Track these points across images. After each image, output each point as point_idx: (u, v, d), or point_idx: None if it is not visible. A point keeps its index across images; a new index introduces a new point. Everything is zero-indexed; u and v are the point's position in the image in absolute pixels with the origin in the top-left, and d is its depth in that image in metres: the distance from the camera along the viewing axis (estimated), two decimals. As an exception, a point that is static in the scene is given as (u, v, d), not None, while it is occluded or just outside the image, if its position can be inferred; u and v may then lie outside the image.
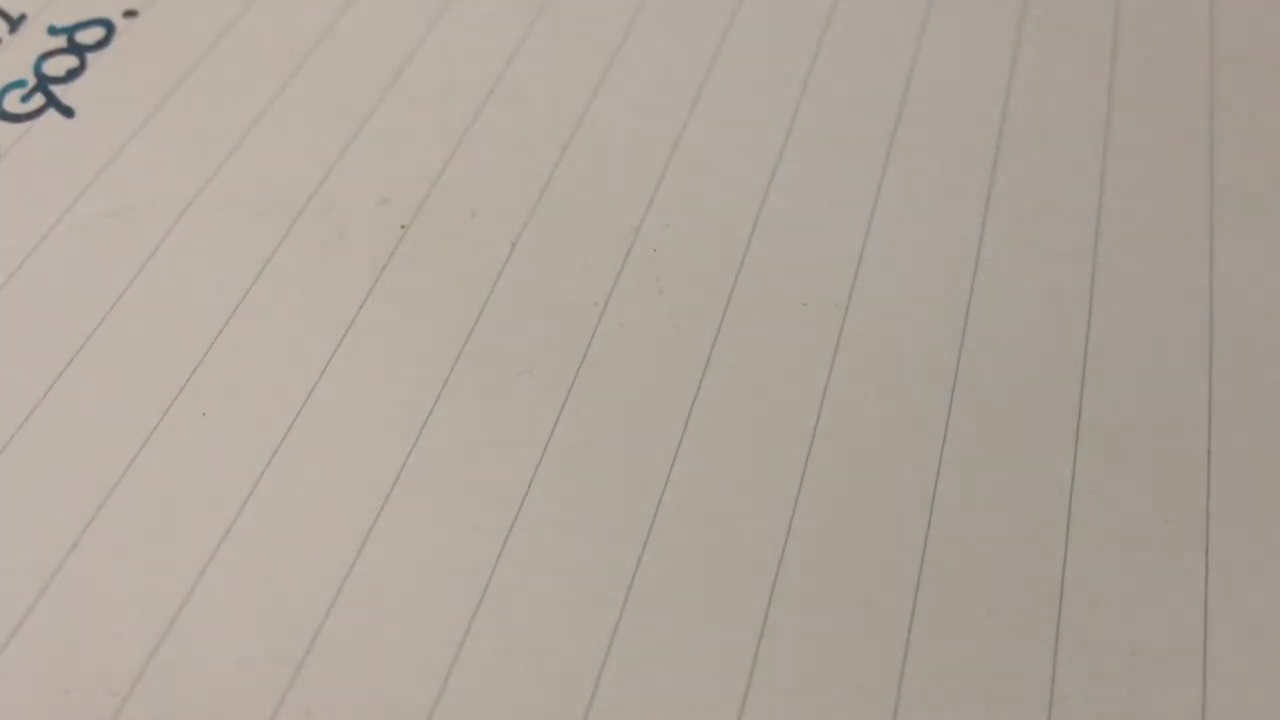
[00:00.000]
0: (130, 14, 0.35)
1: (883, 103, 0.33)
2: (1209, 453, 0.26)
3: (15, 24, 0.34)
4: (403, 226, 0.30)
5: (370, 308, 0.28)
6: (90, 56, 0.33)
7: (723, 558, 0.24)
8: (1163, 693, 0.23)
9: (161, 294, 0.28)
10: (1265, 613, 0.24)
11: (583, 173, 0.31)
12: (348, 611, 0.23)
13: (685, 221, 0.30)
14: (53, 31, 0.34)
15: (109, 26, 0.34)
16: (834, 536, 0.25)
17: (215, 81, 0.33)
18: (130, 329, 0.28)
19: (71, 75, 0.33)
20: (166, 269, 0.29)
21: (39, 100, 0.32)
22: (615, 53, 0.34)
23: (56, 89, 0.33)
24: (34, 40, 0.34)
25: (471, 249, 0.29)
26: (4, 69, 0.33)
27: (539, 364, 0.27)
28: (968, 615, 0.24)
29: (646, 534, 0.25)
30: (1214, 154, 0.32)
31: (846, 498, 0.25)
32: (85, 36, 0.34)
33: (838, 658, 0.23)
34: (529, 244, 0.30)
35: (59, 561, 0.24)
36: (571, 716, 0.22)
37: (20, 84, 0.33)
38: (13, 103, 0.32)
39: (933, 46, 0.34)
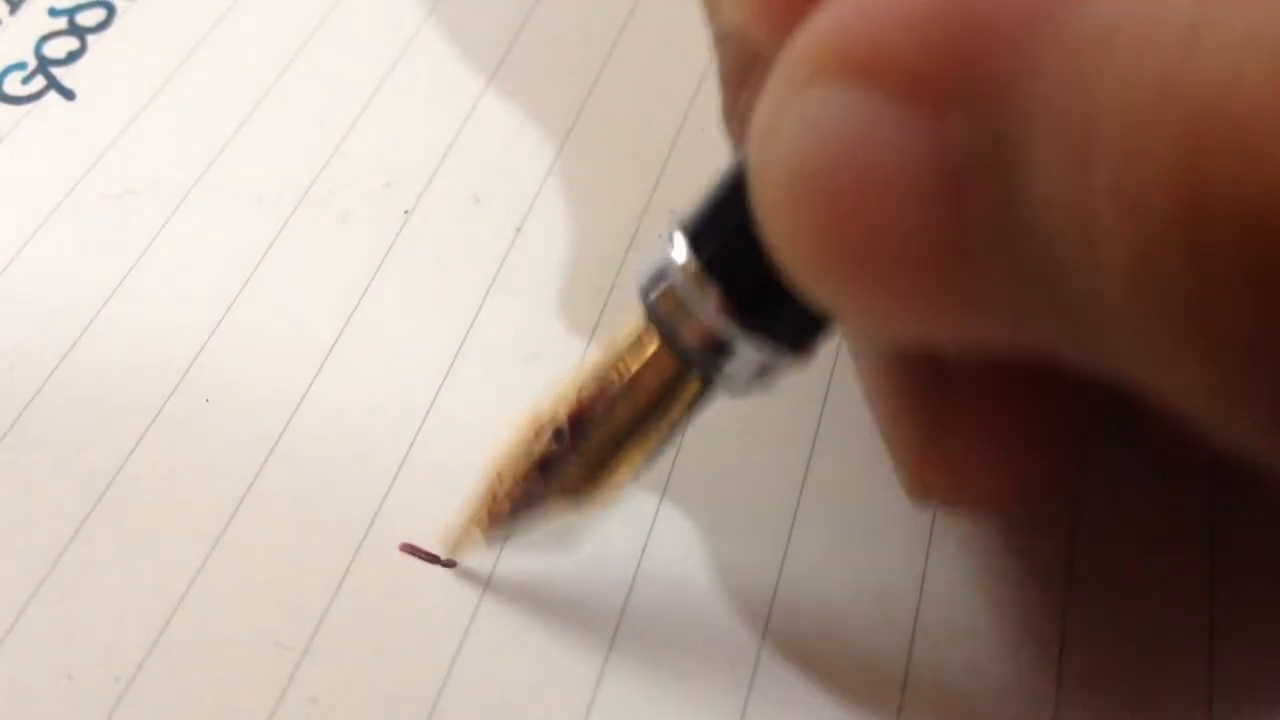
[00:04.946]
0: (131, -5, 0.34)
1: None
2: None
3: (15, 5, 0.34)
4: (406, 211, 0.30)
5: (374, 292, 0.28)
6: (91, 38, 0.33)
7: (726, 554, 0.24)
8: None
9: (164, 278, 0.28)
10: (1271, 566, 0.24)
11: (588, 156, 0.31)
12: (352, 599, 0.23)
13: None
14: (53, 13, 0.34)
15: (110, 8, 0.34)
16: (839, 529, 0.25)
17: (218, 64, 0.33)
18: (132, 314, 0.27)
19: (72, 57, 0.33)
20: (168, 253, 0.29)
21: (40, 82, 0.32)
22: (619, 35, 0.34)
23: (57, 71, 0.32)
24: (34, 21, 0.33)
25: (475, 233, 0.29)
26: (4, 51, 0.33)
27: (544, 350, 0.27)
28: (975, 592, 0.24)
29: (652, 521, 0.24)
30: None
31: (854, 486, 0.25)
32: (86, 18, 0.34)
33: (843, 655, 0.23)
34: (533, 229, 0.29)
35: (62, 546, 0.24)
36: (579, 697, 0.22)
37: (20, 66, 0.32)
38: (13, 85, 0.32)
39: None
